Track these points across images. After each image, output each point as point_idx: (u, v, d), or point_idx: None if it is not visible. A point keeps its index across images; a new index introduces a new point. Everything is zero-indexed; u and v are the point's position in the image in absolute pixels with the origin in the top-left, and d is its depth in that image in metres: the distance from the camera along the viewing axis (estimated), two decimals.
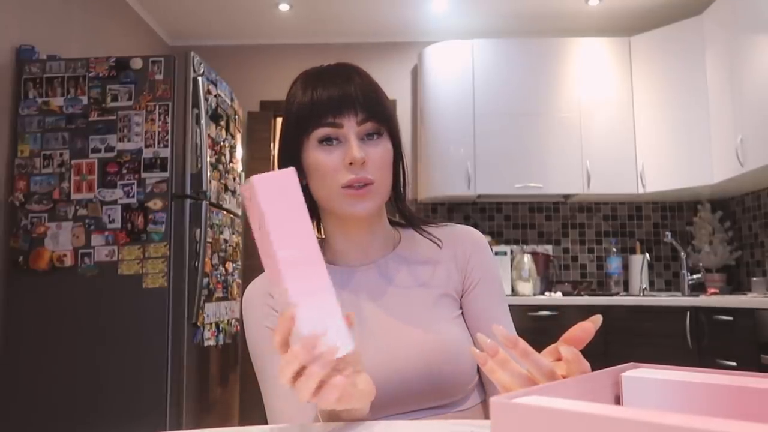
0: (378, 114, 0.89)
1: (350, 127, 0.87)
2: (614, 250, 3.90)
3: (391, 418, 0.85)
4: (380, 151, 0.89)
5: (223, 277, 2.87)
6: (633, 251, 3.91)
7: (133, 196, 2.48)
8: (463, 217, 4.03)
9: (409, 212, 0.98)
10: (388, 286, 0.94)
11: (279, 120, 4.37)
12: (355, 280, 0.95)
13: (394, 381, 0.84)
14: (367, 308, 0.92)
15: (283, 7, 3.80)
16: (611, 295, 3.57)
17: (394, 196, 0.96)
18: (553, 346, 0.62)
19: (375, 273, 0.95)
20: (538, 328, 3.21)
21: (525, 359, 0.59)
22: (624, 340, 3.16)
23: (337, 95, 0.87)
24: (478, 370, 0.93)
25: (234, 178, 3.11)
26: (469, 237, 0.99)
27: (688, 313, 3.03)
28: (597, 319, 0.61)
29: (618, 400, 0.52)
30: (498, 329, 0.61)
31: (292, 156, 0.91)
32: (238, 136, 3.19)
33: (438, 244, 0.97)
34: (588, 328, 0.61)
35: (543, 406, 0.37)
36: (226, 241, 2.92)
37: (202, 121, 2.57)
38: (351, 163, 0.86)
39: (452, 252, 0.97)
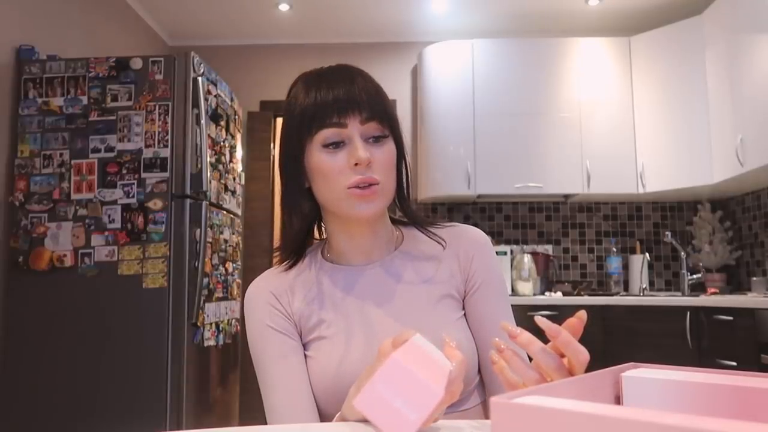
0: (381, 114, 0.89)
1: (354, 127, 0.87)
2: (614, 250, 3.90)
3: None
4: (385, 152, 0.89)
5: (223, 277, 2.87)
6: (633, 251, 3.91)
7: (133, 196, 2.48)
8: (463, 217, 4.03)
9: (413, 212, 0.98)
10: (394, 284, 0.94)
11: (279, 120, 4.37)
12: (361, 280, 0.94)
13: None
14: (373, 308, 0.92)
15: (283, 7, 3.80)
16: (611, 295, 3.57)
17: (397, 196, 0.95)
18: (551, 344, 0.63)
19: (380, 272, 0.95)
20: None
21: (527, 348, 0.61)
22: (624, 340, 3.16)
23: (341, 96, 0.87)
24: (479, 370, 0.93)
25: (234, 178, 3.11)
26: (472, 237, 0.99)
27: (688, 313, 3.03)
28: (582, 315, 0.63)
29: (618, 400, 0.52)
30: (503, 324, 0.64)
31: (294, 158, 0.91)
32: (238, 136, 3.19)
33: (441, 244, 0.97)
34: (578, 323, 0.62)
35: (543, 406, 0.37)
36: (226, 241, 2.92)
37: (202, 121, 2.57)
38: (356, 164, 0.85)
39: (455, 251, 0.97)
